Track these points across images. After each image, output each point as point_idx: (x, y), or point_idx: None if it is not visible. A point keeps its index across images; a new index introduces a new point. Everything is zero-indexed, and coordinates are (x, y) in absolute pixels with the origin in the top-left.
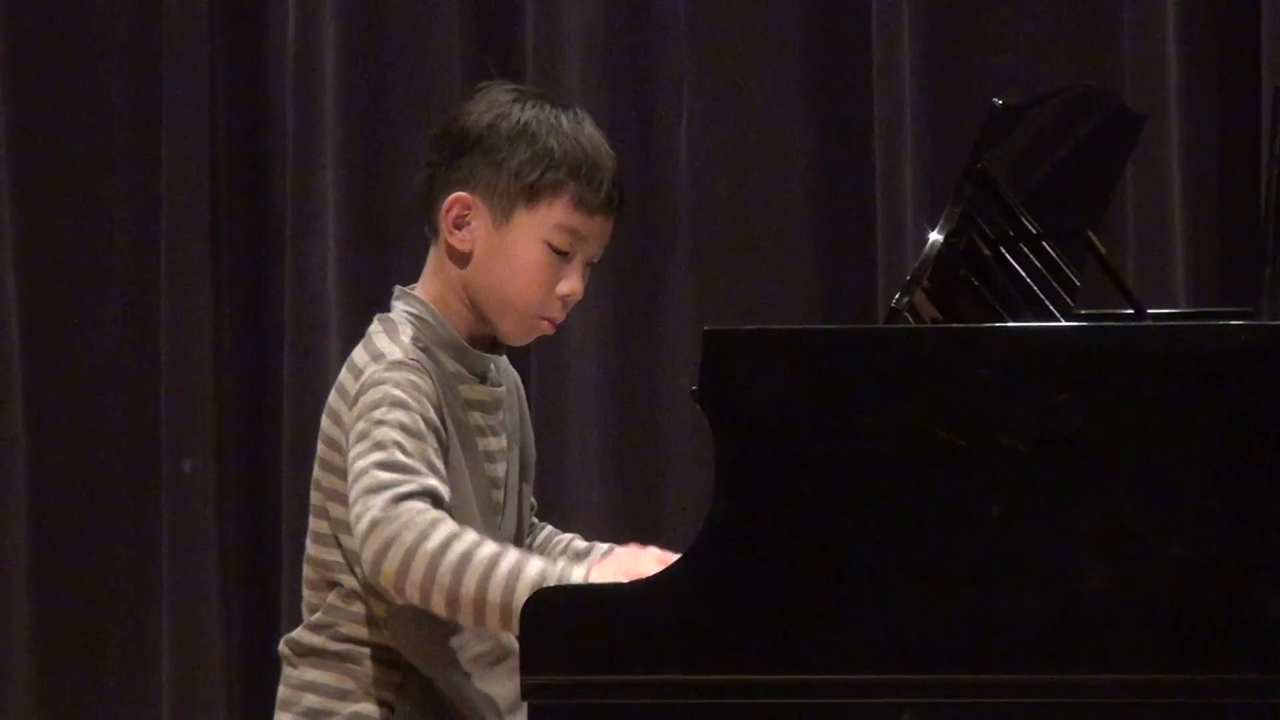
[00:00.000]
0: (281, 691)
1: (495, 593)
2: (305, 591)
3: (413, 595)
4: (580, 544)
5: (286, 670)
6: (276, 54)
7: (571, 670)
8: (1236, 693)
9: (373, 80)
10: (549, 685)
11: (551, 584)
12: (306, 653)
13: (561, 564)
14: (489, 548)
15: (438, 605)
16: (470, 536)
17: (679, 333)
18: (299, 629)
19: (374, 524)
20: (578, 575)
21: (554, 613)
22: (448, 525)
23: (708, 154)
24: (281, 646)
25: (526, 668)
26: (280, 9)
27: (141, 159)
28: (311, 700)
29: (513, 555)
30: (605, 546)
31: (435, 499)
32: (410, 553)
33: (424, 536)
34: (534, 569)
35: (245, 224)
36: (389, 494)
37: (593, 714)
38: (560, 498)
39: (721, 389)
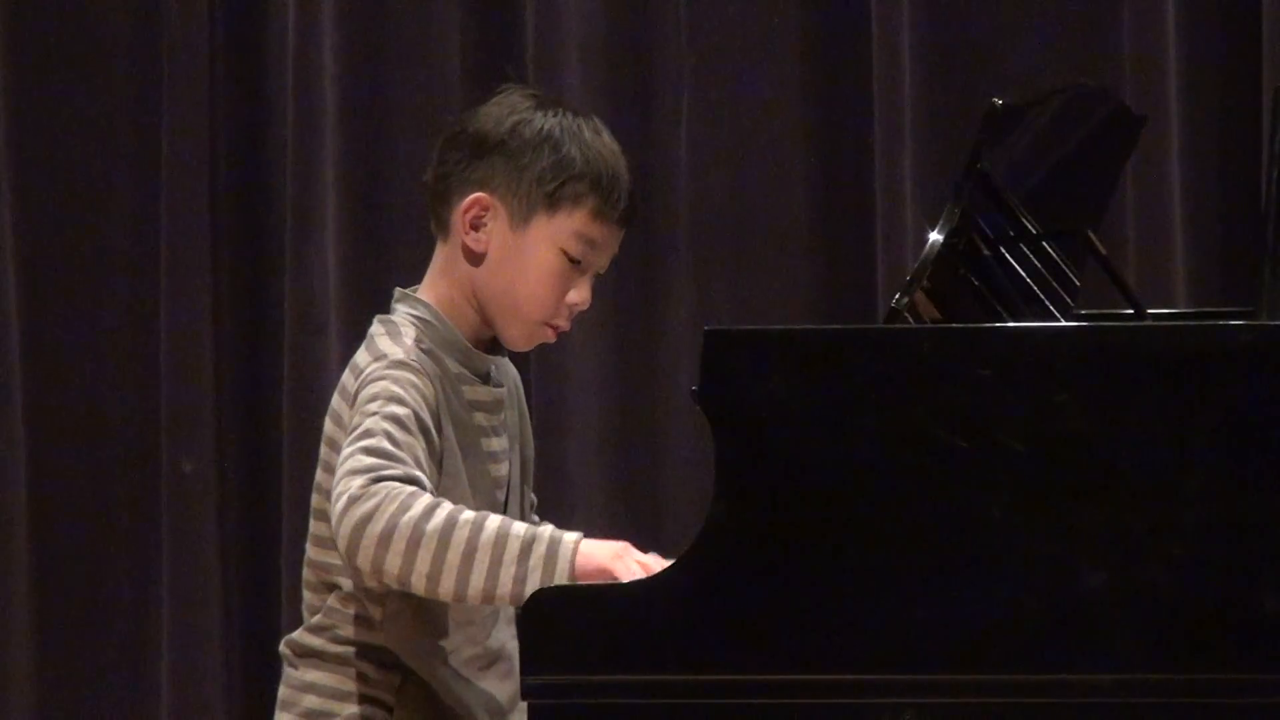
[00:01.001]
0: (282, 692)
1: (484, 551)
2: (305, 593)
3: (393, 567)
4: None
5: (287, 671)
6: (276, 54)
7: (571, 670)
8: (1236, 693)
9: (373, 80)
10: (549, 685)
11: (544, 545)
12: (307, 654)
13: (550, 527)
14: (470, 512)
15: (419, 574)
16: (449, 503)
17: (679, 333)
18: (299, 630)
19: (352, 500)
20: (569, 541)
21: (554, 613)
22: (427, 497)
23: (708, 154)
24: (282, 647)
25: (526, 668)
26: (280, 9)
27: (141, 159)
28: (312, 701)
29: (497, 517)
30: None
31: (416, 487)
32: (391, 523)
33: (405, 508)
34: (521, 527)
35: (245, 224)
36: (370, 475)
37: (593, 714)
38: (560, 498)
39: (721, 389)
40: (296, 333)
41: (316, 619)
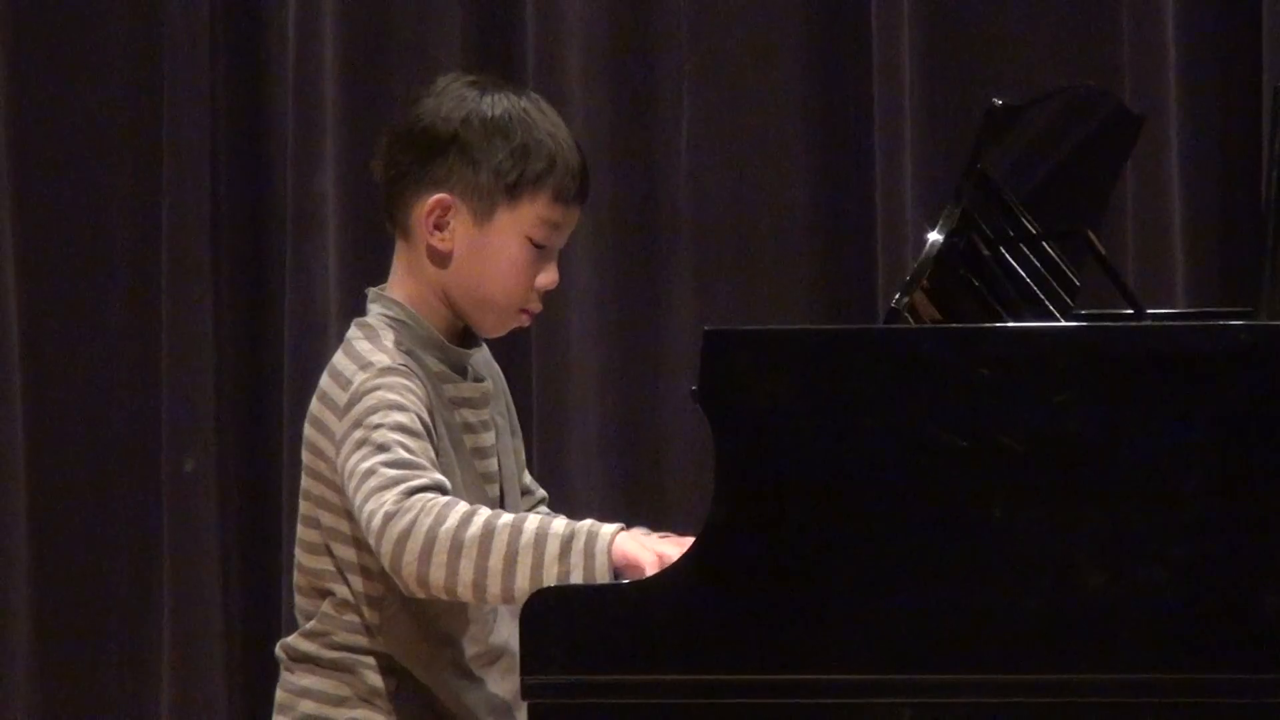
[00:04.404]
0: (279, 695)
1: (525, 553)
2: (297, 597)
3: (438, 578)
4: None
5: (284, 675)
6: (276, 54)
7: (571, 670)
8: (1236, 693)
9: (373, 80)
10: (549, 685)
11: (581, 539)
12: (302, 659)
13: (589, 522)
14: (507, 515)
15: (464, 583)
16: (488, 510)
17: (679, 333)
18: (294, 635)
19: (389, 517)
20: (606, 534)
21: (554, 612)
22: (462, 504)
23: (708, 154)
24: (278, 650)
25: (526, 668)
26: (280, 10)
27: (141, 159)
28: (308, 706)
29: (535, 517)
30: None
31: (443, 493)
32: (431, 535)
33: (441, 519)
34: (560, 523)
35: (245, 224)
36: (401, 488)
37: (593, 714)
38: (560, 497)
39: (721, 389)
40: (296, 333)
41: (311, 625)
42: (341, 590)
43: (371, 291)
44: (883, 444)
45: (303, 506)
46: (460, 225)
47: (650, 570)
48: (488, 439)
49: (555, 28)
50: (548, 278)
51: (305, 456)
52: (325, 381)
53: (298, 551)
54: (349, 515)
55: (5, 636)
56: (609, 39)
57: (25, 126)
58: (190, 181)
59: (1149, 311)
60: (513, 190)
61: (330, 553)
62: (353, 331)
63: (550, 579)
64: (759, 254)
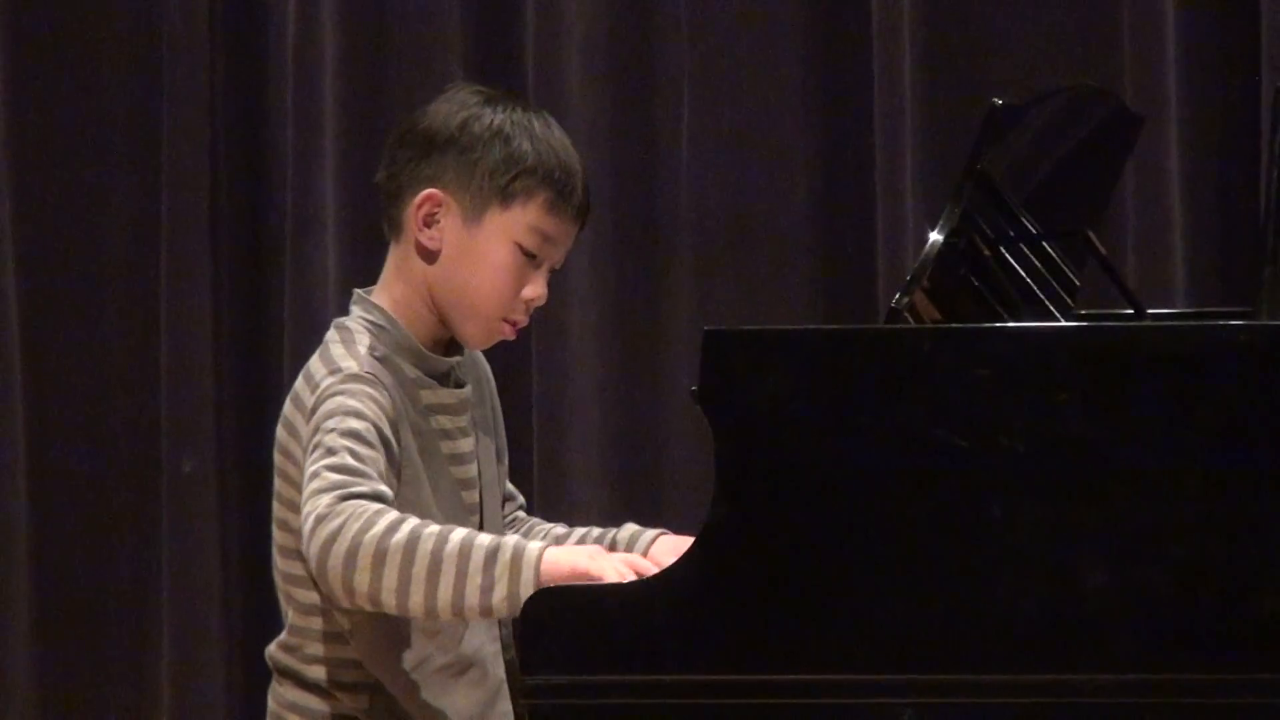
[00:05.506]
0: (270, 705)
1: (449, 563)
2: (280, 599)
3: (361, 584)
4: (560, 530)
5: (273, 684)
6: (276, 54)
7: (571, 670)
8: (1236, 693)
9: (373, 80)
10: (549, 685)
11: (508, 552)
12: (285, 672)
13: (515, 537)
14: (435, 526)
15: (388, 589)
16: (415, 519)
17: (679, 333)
18: (274, 645)
19: (319, 519)
20: (534, 549)
21: (554, 613)
22: (392, 512)
23: (708, 154)
24: (266, 657)
25: (526, 668)
26: (280, 9)
27: (141, 159)
28: None
29: (462, 530)
30: (582, 531)
31: (383, 503)
32: (356, 540)
33: (369, 525)
34: (486, 538)
35: (245, 224)
36: (337, 493)
37: (593, 714)
38: (560, 498)
39: (721, 389)
40: (296, 333)
41: (284, 636)
42: (306, 597)
43: (356, 293)
44: (883, 444)
45: (275, 510)
46: (450, 224)
47: (606, 575)
48: (465, 445)
49: (555, 28)
50: (534, 290)
51: (276, 458)
52: (299, 383)
53: (273, 554)
54: None
55: (5, 636)
56: (609, 39)
57: (25, 126)
58: (190, 181)
59: (1149, 311)
60: (504, 193)
61: (301, 557)
62: (330, 334)
63: (473, 591)
64: (759, 254)
